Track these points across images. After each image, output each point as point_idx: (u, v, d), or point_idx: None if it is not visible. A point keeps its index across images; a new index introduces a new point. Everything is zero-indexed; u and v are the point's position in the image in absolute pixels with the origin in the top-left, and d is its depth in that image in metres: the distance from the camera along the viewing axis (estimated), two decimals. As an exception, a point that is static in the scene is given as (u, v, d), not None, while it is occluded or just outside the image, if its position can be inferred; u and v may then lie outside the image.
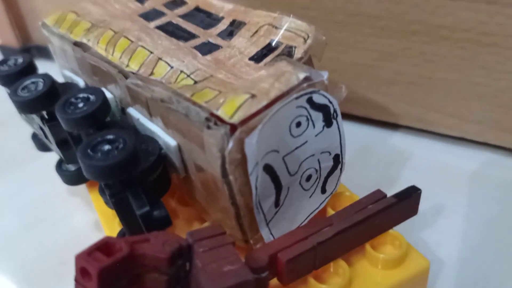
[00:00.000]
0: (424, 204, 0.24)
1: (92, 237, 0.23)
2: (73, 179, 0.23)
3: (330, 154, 0.19)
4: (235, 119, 0.16)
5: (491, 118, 0.26)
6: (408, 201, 0.18)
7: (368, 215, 0.17)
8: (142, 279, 0.15)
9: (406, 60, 0.27)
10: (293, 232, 0.17)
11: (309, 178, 0.19)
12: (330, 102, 0.17)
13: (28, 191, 0.28)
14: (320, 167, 0.19)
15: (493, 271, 0.21)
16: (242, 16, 0.21)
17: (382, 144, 0.29)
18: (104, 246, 0.14)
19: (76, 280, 0.14)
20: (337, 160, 0.19)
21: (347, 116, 0.30)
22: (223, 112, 0.16)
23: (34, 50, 0.40)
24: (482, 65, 0.25)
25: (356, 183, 0.23)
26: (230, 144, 0.15)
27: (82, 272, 0.14)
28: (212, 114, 0.16)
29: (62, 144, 0.21)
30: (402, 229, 0.19)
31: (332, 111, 0.18)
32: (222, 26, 0.21)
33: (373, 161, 0.28)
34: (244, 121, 0.16)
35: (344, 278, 0.17)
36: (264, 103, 0.16)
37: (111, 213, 0.21)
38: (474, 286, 0.20)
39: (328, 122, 0.18)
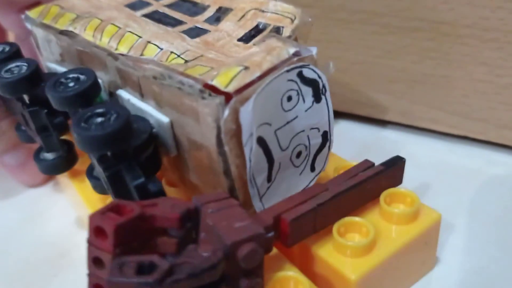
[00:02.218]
0: (428, 203, 0.23)
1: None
2: (50, 168, 0.22)
3: (319, 130, 0.19)
4: (230, 89, 0.16)
5: (493, 115, 0.26)
6: (394, 168, 0.19)
7: (360, 181, 0.18)
8: (152, 243, 0.15)
9: (408, 57, 0.26)
10: (293, 197, 0.17)
11: (299, 154, 0.19)
12: (319, 77, 0.18)
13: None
14: (309, 143, 0.19)
15: (498, 269, 0.21)
16: (228, 3, 0.21)
17: (384, 142, 0.28)
18: (116, 208, 0.14)
19: (89, 241, 0.14)
20: (326, 137, 0.19)
21: (349, 115, 0.30)
22: (217, 82, 0.16)
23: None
24: (484, 62, 0.25)
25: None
26: (226, 113, 0.16)
27: (96, 232, 0.13)
28: (206, 85, 0.16)
29: (42, 131, 0.21)
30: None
31: (321, 86, 0.18)
32: (209, 13, 0.22)
33: (376, 159, 0.27)
34: (238, 91, 0.16)
35: (369, 236, 0.18)
36: (257, 74, 0.16)
37: (99, 200, 0.21)
38: (479, 286, 0.20)
39: (317, 97, 0.18)
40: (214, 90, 0.16)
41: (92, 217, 0.14)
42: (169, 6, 0.23)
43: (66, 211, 0.25)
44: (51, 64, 0.24)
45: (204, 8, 0.22)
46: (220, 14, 0.21)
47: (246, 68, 0.17)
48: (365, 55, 0.28)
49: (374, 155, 0.27)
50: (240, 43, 0.19)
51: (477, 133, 0.27)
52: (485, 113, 0.26)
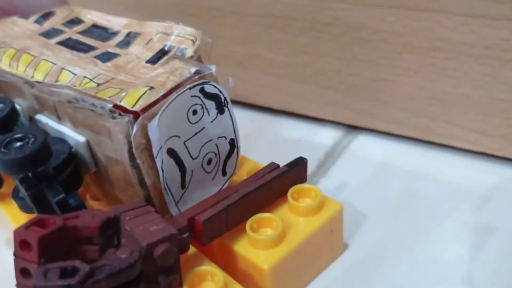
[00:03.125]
0: (446, 218, 0.25)
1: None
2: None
3: (226, 138, 0.21)
4: (137, 108, 0.18)
5: None
6: (297, 169, 0.22)
7: (266, 181, 0.20)
8: (77, 252, 0.16)
9: (427, 75, 0.27)
10: (206, 200, 0.19)
11: (209, 161, 0.21)
12: (220, 92, 0.20)
13: None
14: (218, 151, 0.21)
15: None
16: (137, 28, 0.23)
17: (403, 159, 0.29)
18: (39, 222, 0.16)
19: (15, 254, 0.15)
20: (233, 144, 0.22)
21: (368, 131, 0.31)
22: (125, 103, 0.18)
23: None
24: (504, 81, 0.25)
25: (378, 197, 0.25)
26: (135, 129, 0.18)
27: (21, 245, 0.15)
28: (115, 106, 0.18)
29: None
30: (427, 238, 0.22)
31: (223, 99, 0.20)
32: (119, 38, 0.23)
33: (395, 176, 0.27)
34: (145, 109, 0.18)
35: (278, 229, 0.20)
36: (162, 93, 0.18)
37: (26, 219, 0.22)
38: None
39: (220, 109, 0.20)
40: (123, 109, 0.18)
41: (17, 231, 0.15)
42: (82, 32, 0.24)
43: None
44: (-30, 94, 0.25)
45: (114, 34, 0.24)
46: (130, 38, 0.23)
47: (152, 88, 0.19)
48: (385, 72, 0.28)
49: (393, 170, 0.28)
50: (148, 64, 0.21)
51: (495, 150, 0.27)
52: (503, 130, 0.26)
